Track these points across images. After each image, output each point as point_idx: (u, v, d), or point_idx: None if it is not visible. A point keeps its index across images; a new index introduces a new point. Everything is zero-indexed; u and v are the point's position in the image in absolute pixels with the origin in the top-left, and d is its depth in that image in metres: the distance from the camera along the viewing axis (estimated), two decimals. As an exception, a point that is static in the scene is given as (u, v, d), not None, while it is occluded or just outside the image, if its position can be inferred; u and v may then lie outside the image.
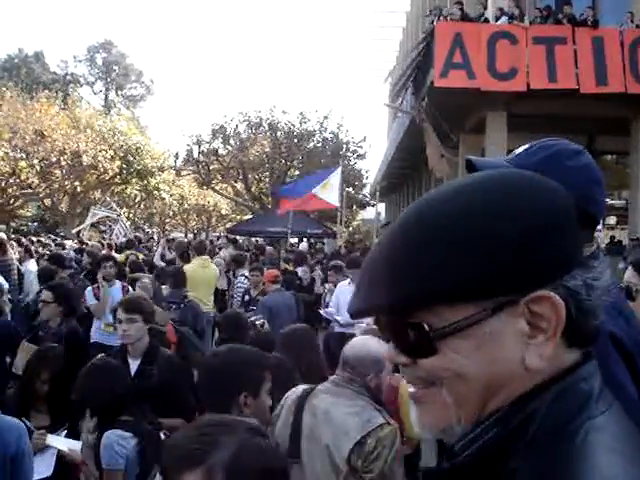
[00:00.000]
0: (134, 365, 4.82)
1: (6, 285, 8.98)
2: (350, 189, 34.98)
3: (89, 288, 8.37)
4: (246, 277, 10.47)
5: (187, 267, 10.10)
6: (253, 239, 30.14)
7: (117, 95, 70.86)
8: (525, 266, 0.90)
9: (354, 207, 38.16)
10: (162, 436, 4.24)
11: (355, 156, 35.80)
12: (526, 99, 13.80)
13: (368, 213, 44.25)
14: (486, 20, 14.91)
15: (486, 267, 0.90)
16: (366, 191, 39.02)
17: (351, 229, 42.10)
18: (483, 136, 15.63)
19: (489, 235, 0.91)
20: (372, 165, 37.68)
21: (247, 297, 9.63)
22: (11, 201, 32.55)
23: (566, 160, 1.85)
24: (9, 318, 8.28)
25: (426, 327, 0.94)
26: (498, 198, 0.94)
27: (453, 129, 17.87)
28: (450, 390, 0.96)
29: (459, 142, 18.01)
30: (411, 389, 1.02)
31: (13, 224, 41.47)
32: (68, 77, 68.08)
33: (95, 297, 8.06)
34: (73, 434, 4.71)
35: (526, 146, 1.95)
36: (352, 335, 7.68)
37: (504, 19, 14.67)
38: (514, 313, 0.92)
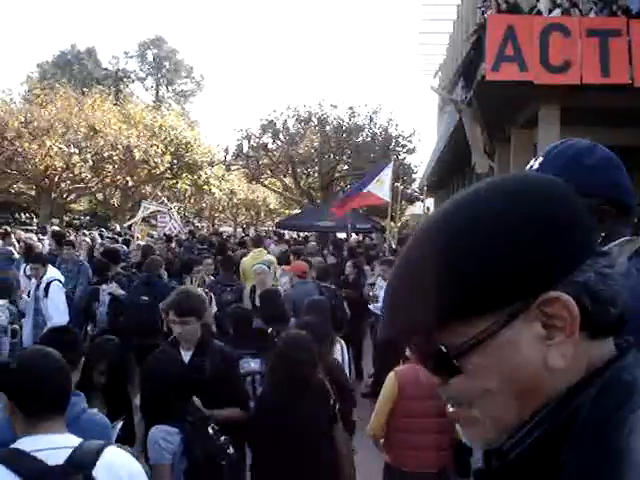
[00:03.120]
0: (186, 357, 4.87)
1: (62, 278, 9.15)
2: (399, 184, 34.86)
3: None
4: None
5: (244, 259, 11.53)
6: (301, 233, 30.26)
7: (168, 91, 71.61)
8: (528, 271, 0.90)
9: (403, 202, 38.00)
10: (210, 430, 4.26)
11: (404, 151, 35.61)
12: (579, 92, 13.56)
13: (417, 208, 44.01)
14: (539, 12, 14.70)
15: (490, 278, 0.90)
16: (415, 186, 38.80)
17: (400, 224, 41.96)
18: (535, 131, 15.41)
19: (488, 247, 0.91)
20: (422, 160, 37.48)
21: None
22: (64, 195, 33.09)
23: (585, 159, 1.87)
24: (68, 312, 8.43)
25: (443, 347, 0.95)
26: (495, 208, 0.94)
27: (504, 124, 17.66)
28: (483, 407, 0.96)
29: (510, 137, 17.80)
30: (450, 409, 1.02)
31: (66, 218, 42.21)
32: (120, 73, 68.98)
33: None
34: (129, 426, 4.78)
35: (540, 158, 1.99)
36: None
37: (557, 11, 14.44)
38: (528, 318, 0.91)
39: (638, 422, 0.87)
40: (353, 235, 26.96)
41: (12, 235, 15.17)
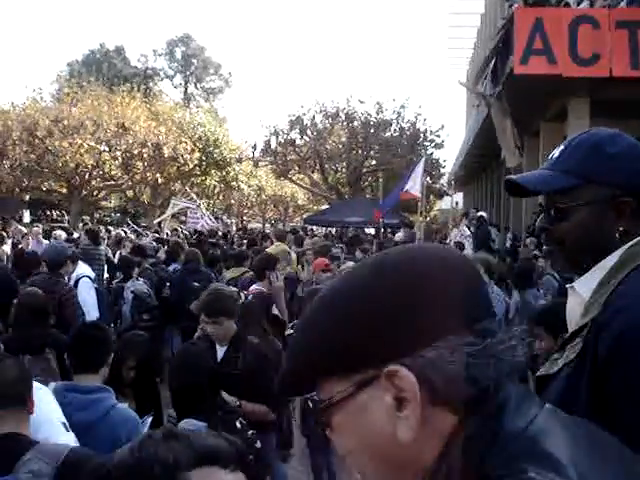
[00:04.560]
0: (221, 351, 4.90)
1: (93, 274, 9.24)
2: (427, 179, 34.73)
3: None
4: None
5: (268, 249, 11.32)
6: (330, 229, 30.27)
7: (196, 88, 71.87)
8: (375, 343, 0.94)
9: (431, 197, 37.86)
10: (238, 425, 4.29)
11: (432, 145, 35.48)
12: (609, 85, 13.42)
13: (445, 203, 43.82)
14: (567, 4, 14.56)
15: (342, 346, 0.96)
16: (443, 181, 38.64)
17: (428, 219, 41.81)
18: (564, 124, 15.29)
19: (346, 316, 0.97)
20: (450, 154, 37.29)
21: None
22: (95, 193, 33.38)
23: (608, 148, 1.82)
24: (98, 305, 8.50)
25: (309, 402, 1.03)
26: (358, 283, 1.00)
27: (533, 117, 17.54)
28: (355, 467, 1.02)
29: (539, 131, 17.68)
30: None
31: (97, 215, 42.61)
32: (148, 71, 69.35)
33: None
34: (158, 422, 4.82)
35: (562, 147, 1.92)
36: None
37: (586, 3, 14.29)
38: (380, 388, 0.95)
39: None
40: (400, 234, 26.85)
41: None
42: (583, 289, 1.80)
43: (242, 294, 8.11)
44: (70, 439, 3.15)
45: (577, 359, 1.69)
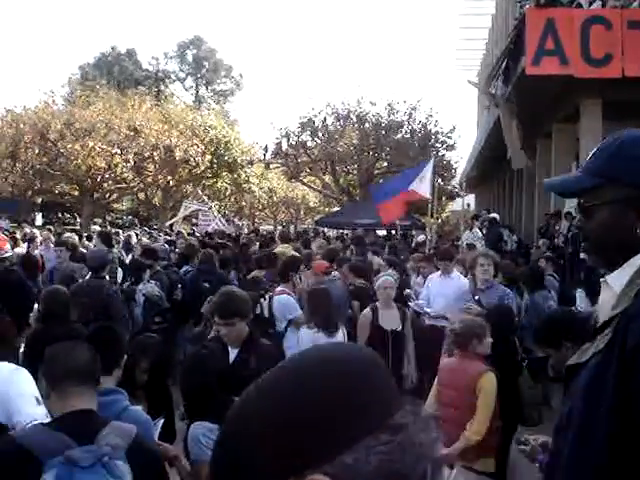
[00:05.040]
0: (233, 353, 4.89)
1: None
2: (439, 180, 34.67)
3: None
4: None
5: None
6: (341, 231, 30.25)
7: (207, 90, 72.03)
8: (298, 453, 0.95)
9: (443, 198, 37.80)
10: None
11: (444, 147, 35.43)
12: (621, 85, 13.37)
13: (457, 204, 43.73)
14: (579, 5, 14.52)
15: (264, 456, 0.97)
16: (455, 182, 38.58)
17: (440, 221, 41.76)
18: (576, 125, 15.24)
19: (264, 431, 0.98)
20: (461, 156, 37.13)
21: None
22: (107, 195, 33.51)
23: (632, 150, 1.86)
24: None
25: None
26: (274, 397, 1.01)
27: (545, 119, 17.49)
28: None
29: (551, 132, 17.63)
30: None
31: (109, 217, 42.76)
32: (160, 74, 69.54)
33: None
34: (170, 424, 4.82)
35: (594, 149, 1.99)
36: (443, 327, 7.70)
37: (598, 3, 14.25)
38: None
39: None
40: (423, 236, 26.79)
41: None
42: (615, 283, 1.87)
43: (267, 295, 8.19)
44: (42, 412, 3.52)
45: (606, 349, 1.76)
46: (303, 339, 6.58)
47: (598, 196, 1.88)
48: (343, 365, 1.03)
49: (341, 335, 6.72)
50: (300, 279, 8.55)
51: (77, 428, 2.87)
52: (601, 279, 1.99)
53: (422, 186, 15.84)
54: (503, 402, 5.23)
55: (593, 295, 9.21)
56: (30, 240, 15.19)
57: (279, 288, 8.16)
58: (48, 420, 3.27)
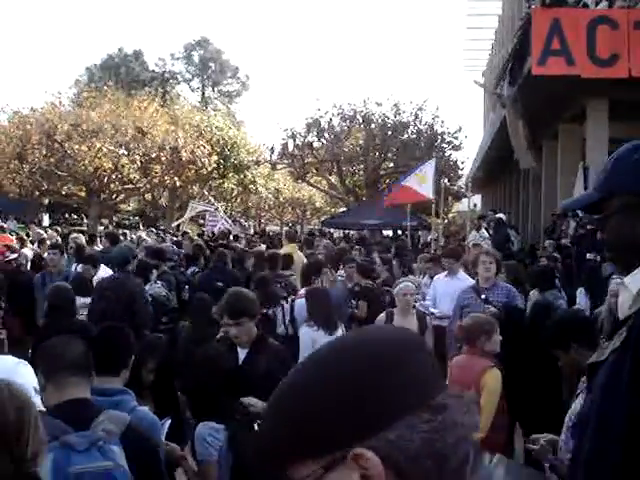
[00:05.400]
0: (242, 354, 4.90)
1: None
2: (445, 180, 34.60)
3: None
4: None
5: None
6: (347, 231, 30.27)
7: (214, 91, 72.06)
8: (339, 428, 0.99)
9: (449, 199, 37.75)
10: (256, 427, 4.29)
11: (450, 147, 35.39)
12: (628, 85, 13.35)
13: (464, 205, 43.63)
14: (585, 5, 14.50)
15: (308, 430, 1.01)
16: (461, 182, 38.52)
17: (446, 221, 41.68)
18: (583, 125, 15.23)
19: (310, 405, 1.02)
20: (468, 156, 37.08)
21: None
22: (114, 196, 33.54)
23: (629, 158, 2.00)
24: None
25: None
26: (320, 371, 1.06)
27: (551, 119, 17.47)
28: None
29: (558, 133, 17.61)
30: None
31: (115, 218, 42.81)
32: (166, 75, 69.60)
33: None
34: (177, 424, 4.84)
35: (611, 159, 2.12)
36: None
37: (604, 3, 14.23)
38: (346, 468, 0.99)
39: None
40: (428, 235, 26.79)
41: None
42: (632, 285, 1.98)
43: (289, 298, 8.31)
44: (38, 402, 3.47)
45: (622, 347, 1.86)
46: (303, 337, 6.66)
47: (607, 207, 2.02)
48: (385, 345, 1.07)
49: (340, 333, 6.74)
50: (322, 282, 8.59)
51: (73, 415, 3.03)
52: (619, 281, 2.10)
53: (425, 187, 15.85)
54: (513, 400, 5.24)
55: (593, 294, 9.26)
56: (40, 242, 15.21)
57: (301, 291, 8.25)
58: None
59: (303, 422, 1.02)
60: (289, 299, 8.38)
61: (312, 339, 6.49)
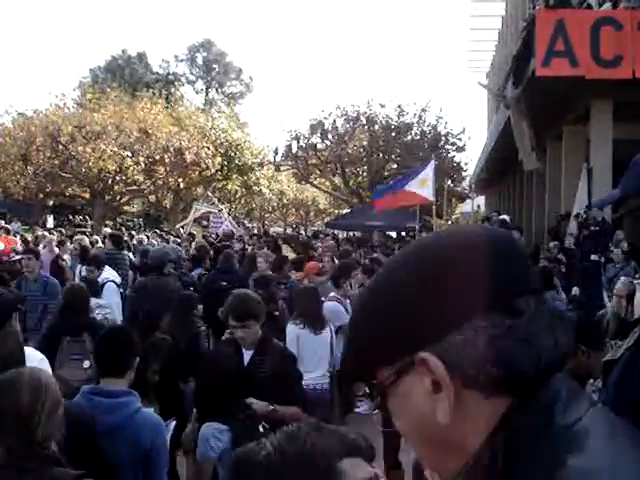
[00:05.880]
0: (247, 355, 4.91)
1: (118, 279, 9.31)
2: (449, 182, 34.57)
3: None
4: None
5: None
6: (350, 233, 30.25)
7: (217, 93, 72.12)
8: (410, 331, 0.98)
9: (453, 200, 37.72)
10: (261, 429, 4.30)
11: (454, 148, 35.37)
12: (632, 86, 13.33)
13: (467, 206, 43.59)
14: (589, 6, 14.50)
15: (380, 336, 1.01)
16: (465, 184, 38.50)
17: (450, 222, 41.64)
18: (587, 126, 15.21)
19: (378, 309, 1.02)
20: (471, 157, 37.10)
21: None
22: (118, 197, 33.60)
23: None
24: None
25: (366, 389, 1.08)
26: (389, 275, 1.06)
27: (555, 120, 17.45)
28: (414, 447, 1.06)
29: (562, 134, 17.59)
30: None
31: (120, 220, 42.85)
32: (170, 76, 69.65)
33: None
34: (181, 425, 4.85)
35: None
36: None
37: (607, 5, 14.22)
38: (416, 373, 0.98)
39: (559, 453, 0.91)
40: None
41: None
42: None
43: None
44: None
45: (635, 345, 1.90)
46: (289, 334, 6.76)
47: (623, 208, 2.06)
48: (461, 245, 1.01)
49: (327, 332, 6.96)
50: (351, 285, 8.63)
51: None
52: (625, 281, 2.14)
53: (424, 189, 15.82)
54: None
55: (587, 294, 9.30)
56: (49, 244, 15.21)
57: (332, 294, 8.33)
58: None
59: (371, 328, 1.02)
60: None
61: (297, 335, 6.69)
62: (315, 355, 6.73)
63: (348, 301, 8.34)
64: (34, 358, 4.11)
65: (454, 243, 1.02)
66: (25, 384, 2.72)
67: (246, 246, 17.47)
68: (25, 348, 4.18)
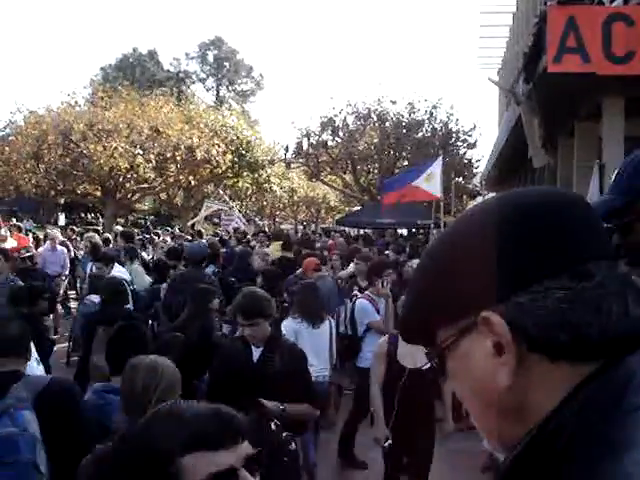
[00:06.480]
0: (256, 353, 4.92)
1: (129, 276, 9.34)
2: (460, 179, 34.48)
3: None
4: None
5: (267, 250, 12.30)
6: (361, 230, 30.22)
7: (228, 91, 72.24)
8: (475, 289, 0.96)
9: (464, 197, 37.65)
10: (272, 426, 4.30)
11: (465, 145, 35.30)
12: (644, 83, 13.25)
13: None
14: (600, 2, 14.42)
15: (445, 293, 1.00)
16: (476, 181, 38.40)
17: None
18: (599, 123, 15.13)
19: (442, 266, 1.02)
20: (482, 154, 37.02)
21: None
22: (129, 195, 33.67)
23: None
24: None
25: (426, 349, 1.07)
26: (456, 232, 1.05)
27: (567, 117, 17.37)
28: (470, 413, 1.04)
29: (574, 130, 17.51)
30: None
31: (131, 217, 42.98)
32: (181, 74, 69.85)
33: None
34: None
35: (616, 171, 2.12)
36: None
37: (619, 1, 14.14)
38: (479, 333, 0.96)
39: (624, 431, 0.87)
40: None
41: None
42: None
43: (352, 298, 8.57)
44: (41, 370, 4.31)
45: None
46: (286, 329, 6.85)
47: (632, 212, 1.97)
48: (531, 203, 1.00)
49: (327, 326, 7.12)
50: (383, 284, 8.69)
51: None
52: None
53: (432, 186, 15.79)
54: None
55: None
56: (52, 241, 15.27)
57: (367, 292, 8.49)
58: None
59: (435, 285, 1.01)
60: (352, 299, 8.65)
61: (294, 331, 6.82)
62: (314, 348, 6.79)
63: (382, 301, 8.38)
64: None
65: (528, 200, 1.01)
66: (142, 369, 3.21)
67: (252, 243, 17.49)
68: None
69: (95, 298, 8.03)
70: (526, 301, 0.93)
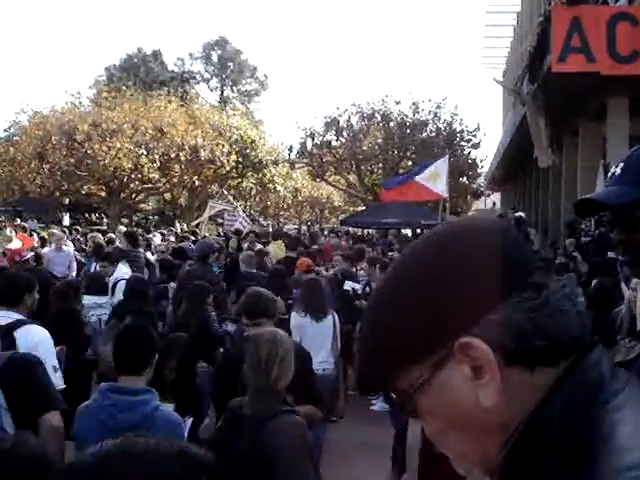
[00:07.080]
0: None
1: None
2: (464, 179, 34.48)
3: None
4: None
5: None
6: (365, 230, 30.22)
7: (232, 91, 72.21)
8: (440, 321, 0.96)
9: (468, 197, 37.62)
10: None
11: (469, 145, 35.27)
12: (649, 82, 13.24)
13: (483, 203, 43.48)
14: (605, 2, 14.41)
15: (408, 332, 0.98)
16: (480, 181, 38.38)
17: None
18: (604, 123, 15.12)
19: (407, 305, 0.99)
20: (487, 154, 37.01)
21: (368, 289, 9.99)
22: (133, 195, 33.71)
23: None
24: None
25: (392, 394, 1.04)
26: (414, 269, 1.02)
27: (572, 116, 17.37)
28: (446, 446, 1.04)
29: (578, 130, 17.50)
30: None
31: (135, 218, 43.01)
32: (185, 75, 69.80)
33: None
34: (198, 423, 4.86)
35: (621, 163, 2.01)
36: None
37: (623, 0, 14.13)
38: (456, 362, 0.96)
39: (607, 415, 0.92)
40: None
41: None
42: None
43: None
44: (58, 378, 4.32)
45: None
46: (292, 323, 7.21)
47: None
48: (480, 233, 1.03)
49: (330, 319, 7.41)
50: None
51: None
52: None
53: (437, 184, 15.77)
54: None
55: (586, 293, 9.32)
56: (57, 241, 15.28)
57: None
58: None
59: (400, 326, 0.99)
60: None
61: (299, 324, 7.20)
62: (318, 340, 7.10)
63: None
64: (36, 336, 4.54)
65: (473, 230, 1.04)
66: (265, 340, 3.59)
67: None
68: (34, 327, 4.63)
69: (94, 298, 8.16)
70: (499, 319, 0.95)
